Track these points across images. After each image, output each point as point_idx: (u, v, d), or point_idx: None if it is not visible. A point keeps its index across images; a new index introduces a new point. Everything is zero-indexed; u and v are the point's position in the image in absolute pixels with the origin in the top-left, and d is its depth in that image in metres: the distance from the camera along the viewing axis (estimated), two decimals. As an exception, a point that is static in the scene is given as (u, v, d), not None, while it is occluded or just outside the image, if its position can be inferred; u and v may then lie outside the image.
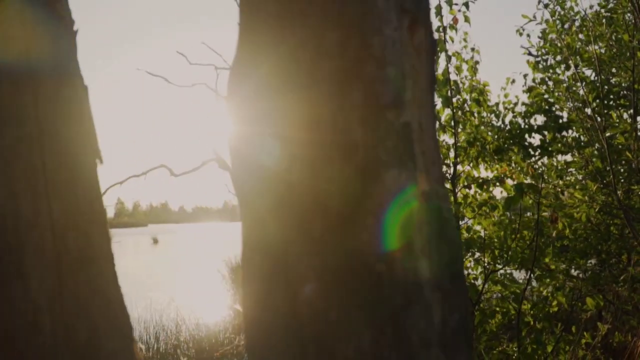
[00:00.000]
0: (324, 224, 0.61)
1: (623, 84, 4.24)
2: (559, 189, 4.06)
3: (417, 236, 0.59)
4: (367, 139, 0.62)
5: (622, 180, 4.37)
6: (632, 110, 4.79)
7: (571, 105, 4.19)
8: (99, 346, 0.80)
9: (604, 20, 4.32)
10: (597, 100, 4.11)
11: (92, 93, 0.98)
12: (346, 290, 0.58)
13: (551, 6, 4.84)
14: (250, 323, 0.68)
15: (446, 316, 0.60)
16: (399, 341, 0.57)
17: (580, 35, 4.63)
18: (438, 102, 4.05)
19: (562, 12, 4.72)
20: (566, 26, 4.82)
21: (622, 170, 4.24)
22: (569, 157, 5.38)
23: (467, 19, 3.64)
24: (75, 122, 0.92)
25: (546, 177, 3.30)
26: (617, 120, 3.64)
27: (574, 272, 4.34)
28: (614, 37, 4.32)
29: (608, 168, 3.57)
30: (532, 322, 2.71)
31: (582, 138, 4.58)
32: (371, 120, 0.62)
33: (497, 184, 3.29)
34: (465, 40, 4.32)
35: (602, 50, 4.36)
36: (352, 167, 0.61)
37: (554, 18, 4.63)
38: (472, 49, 4.45)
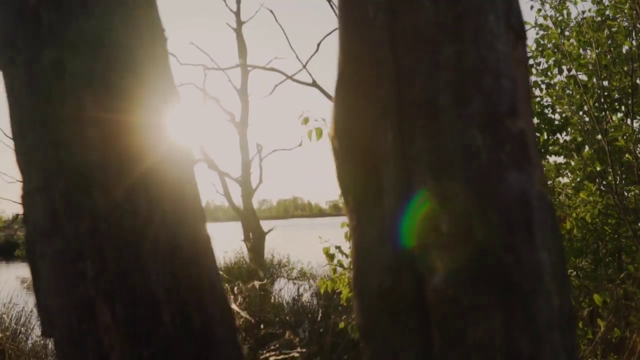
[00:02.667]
0: (450, 219, 0.68)
1: (619, 87, 4.38)
2: (558, 189, 4.20)
3: (538, 232, 0.66)
4: (488, 144, 0.69)
5: (616, 182, 4.50)
6: (621, 114, 4.93)
7: (570, 107, 4.31)
8: (214, 336, 0.86)
9: (601, 26, 4.46)
10: (596, 104, 4.25)
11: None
12: (478, 280, 0.65)
13: (547, 12, 4.98)
14: (369, 311, 0.75)
15: (562, 302, 0.67)
16: (527, 324, 0.64)
17: (572, 40, 4.76)
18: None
19: (560, 18, 4.86)
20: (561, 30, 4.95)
21: (618, 172, 4.38)
22: (560, 159, 5.52)
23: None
24: (173, 127, 0.97)
25: (547, 178, 3.41)
26: (618, 124, 3.77)
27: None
28: (613, 43, 4.45)
29: (609, 169, 3.69)
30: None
31: (578, 140, 4.71)
32: (491, 127, 0.69)
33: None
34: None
35: (595, 55, 4.49)
36: (476, 169, 0.68)
37: (555, 25, 4.76)
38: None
